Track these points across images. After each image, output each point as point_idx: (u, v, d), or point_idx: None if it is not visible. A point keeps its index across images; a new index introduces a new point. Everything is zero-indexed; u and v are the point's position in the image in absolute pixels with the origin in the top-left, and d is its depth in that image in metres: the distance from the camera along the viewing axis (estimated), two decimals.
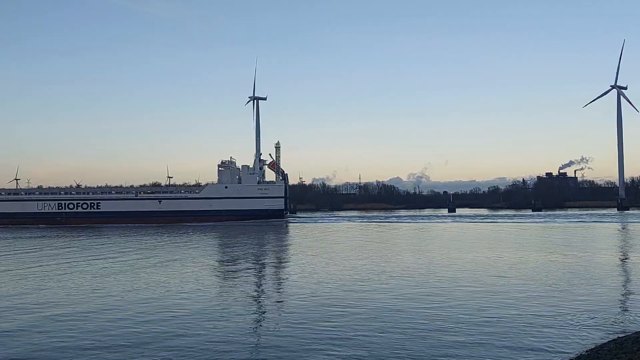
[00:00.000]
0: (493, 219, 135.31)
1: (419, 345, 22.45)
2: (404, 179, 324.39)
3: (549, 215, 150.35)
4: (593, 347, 21.61)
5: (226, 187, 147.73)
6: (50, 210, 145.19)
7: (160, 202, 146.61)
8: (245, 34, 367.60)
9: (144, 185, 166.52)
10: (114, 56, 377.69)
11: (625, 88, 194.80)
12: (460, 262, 49.11)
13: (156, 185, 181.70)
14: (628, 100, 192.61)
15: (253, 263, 53.01)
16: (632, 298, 32.55)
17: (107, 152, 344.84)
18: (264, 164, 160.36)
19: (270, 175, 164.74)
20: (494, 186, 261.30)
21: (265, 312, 30.05)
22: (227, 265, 50.62)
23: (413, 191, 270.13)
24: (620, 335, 22.88)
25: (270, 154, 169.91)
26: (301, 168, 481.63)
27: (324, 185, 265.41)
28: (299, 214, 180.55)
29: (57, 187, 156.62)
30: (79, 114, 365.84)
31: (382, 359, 20.97)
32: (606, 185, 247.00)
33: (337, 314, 28.20)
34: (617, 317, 26.91)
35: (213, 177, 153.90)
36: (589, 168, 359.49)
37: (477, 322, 26.17)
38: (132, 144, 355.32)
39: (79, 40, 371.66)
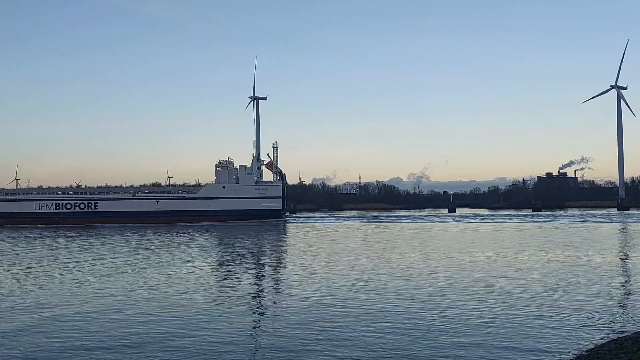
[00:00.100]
0: (493, 219, 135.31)
1: (418, 346, 22.47)
2: (404, 179, 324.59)
3: (549, 215, 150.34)
4: (593, 347, 21.63)
5: (224, 187, 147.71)
6: (48, 210, 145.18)
7: (157, 202, 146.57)
8: (245, 34, 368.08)
9: (144, 185, 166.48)
10: (114, 56, 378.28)
11: (625, 88, 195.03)
12: (460, 262, 49.13)
13: (156, 185, 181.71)
14: (626, 103, 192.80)
15: (253, 263, 53.02)
16: (632, 298, 32.56)
17: (107, 152, 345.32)
18: (261, 164, 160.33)
19: (268, 175, 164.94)
20: (494, 186, 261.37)
21: (265, 312, 30.07)
22: (226, 266, 50.61)
23: (413, 191, 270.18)
24: (620, 335, 22.90)
25: (268, 154, 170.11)
26: (301, 168, 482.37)
27: (324, 185, 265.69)
28: (298, 214, 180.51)
29: (55, 187, 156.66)
30: (79, 114, 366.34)
31: None
32: (606, 185, 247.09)
33: (338, 314, 28.21)
34: (617, 317, 26.93)
35: (212, 177, 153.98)
36: (589, 168, 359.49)
37: (477, 322, 26.19)
38: (132, 144, 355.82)
39: (79, 40, 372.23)
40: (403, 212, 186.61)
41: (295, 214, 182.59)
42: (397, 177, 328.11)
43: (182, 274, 43.99)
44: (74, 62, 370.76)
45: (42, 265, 51.38)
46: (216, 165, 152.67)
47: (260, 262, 54.60)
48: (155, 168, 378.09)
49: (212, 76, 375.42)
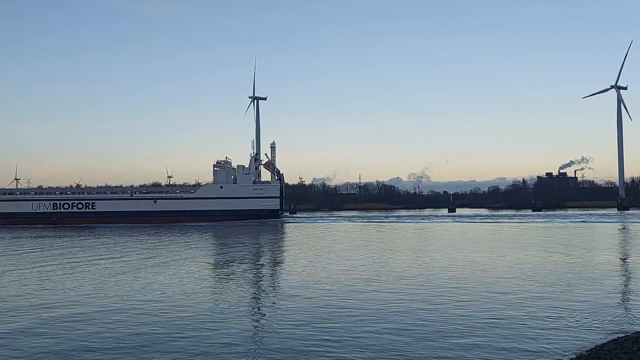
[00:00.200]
0: (493, 219, 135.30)
1: (418, 347, 22.45)
2: (404, 179, 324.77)
3: (549, 215, 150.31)
4: (593, 347, 21.61)
5: (221, 187, 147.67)
6: (46, 210, 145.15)
7: (155, 202, 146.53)
8: (245, 34, 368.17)
9: (144, 185, 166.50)
10: (114, 56, 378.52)
11: (625, 88, 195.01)
12: (460, 262, 49.10)
13: (156, 185, 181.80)
14: (624, 106, 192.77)
15: (252, 264, 53.01)
16: (632, 298, 32.54)
17: (107, 152, 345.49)
18: (259, 164, 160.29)
19: (267, 176, 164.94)
20: (494, 186, 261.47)
21: (265, 313, 30.04)
22: (226, 266, 50.60)
23: (413, 191, 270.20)
24: (620, 335, 22.87)
25: (266, 154, 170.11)
26: (301, 168, 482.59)
27: (324, 185, 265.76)
28: (298, 214, 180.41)
29: (52, 187, 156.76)
30: (79, 114, 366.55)
31: None
32: (606, 185, 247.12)
33: (338, 315, 28.14)
34: (617, 317, 26.90)
35: (212, 177, 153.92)
36: (589, 168, 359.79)
37: (477, 323, 26.15)
38: (132, 144, 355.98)
39: (79, 40, 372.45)
40: (403, 212, 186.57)
41: (295, 214, 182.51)
42: (397, 177, 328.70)
43: (182, 275, 43.97)
44: (74, 62, 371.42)
45: (43, 266, 51.37)
46: (214, 165, 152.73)
47: (259, 262, 54.58)
48: (155, 168, 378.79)
49: (212, 76, 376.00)
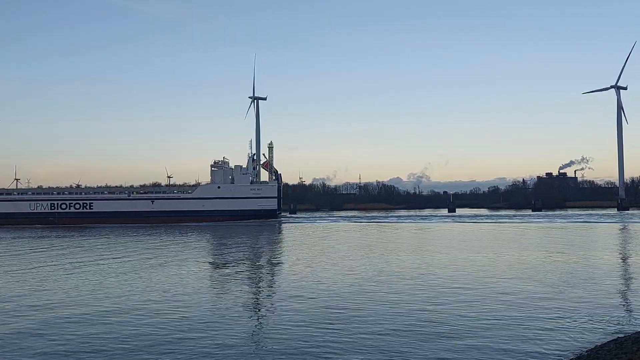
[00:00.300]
0: (493, 219, 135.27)
1: (418, 349, 22.44)
2: (404, 179, 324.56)
3: (549, 215, 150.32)
4: (593, 347, 21.61)
5: (219, 188, 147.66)
6: (43, 211, 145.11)
7: (153, 202, 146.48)
8: (245, 34, 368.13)
9: (144, 185, 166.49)
10: (114, 56, 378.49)
11: (625, 88, 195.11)
12: (460, 262, 49.10)
13: (156, 185, 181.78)
14: (622, 109, 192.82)
15: (252, 264, 53.04)
16: (632, 298, 32.55)
17: (107, 152, 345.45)
18: (257, 164, 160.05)
19: (265, 176, 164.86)
20: (494, 186, 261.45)
21: (265, 314, 30.03)
22: (227, 267, 50.61)
23: (413, 191, 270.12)
24: (620, 335, 22.87)
25: (263, 154, 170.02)
26: (301, 168, 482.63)
27: (324, 185, 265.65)
28: (298, 214, 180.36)
29: (50, 187, 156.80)
30: (79, 114, 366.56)
31: None
32: (606, 186, 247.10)
33: (338, 316, 28.12)
34: (617, 317, 26.90)
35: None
36: (589, 168, 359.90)
37: (477, 324, 26.15)
38: (132, 144, 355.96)
39: (79, 40, 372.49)
40: (403, 212, 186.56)
41: (295, 214, 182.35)
42: (397, 177, 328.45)
43: (183, 275, 44.02)
44: (74, 62, 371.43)
45: (44, 266, 51.40)
46: (211, 166, 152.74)
47: (258, 263, 54.60)
48: (155, 168, 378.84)
49: (212, 76, 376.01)
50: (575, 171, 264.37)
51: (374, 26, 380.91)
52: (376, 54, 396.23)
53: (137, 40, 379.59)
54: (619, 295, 33.81)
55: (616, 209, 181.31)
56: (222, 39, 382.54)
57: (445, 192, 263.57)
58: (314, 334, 24.63)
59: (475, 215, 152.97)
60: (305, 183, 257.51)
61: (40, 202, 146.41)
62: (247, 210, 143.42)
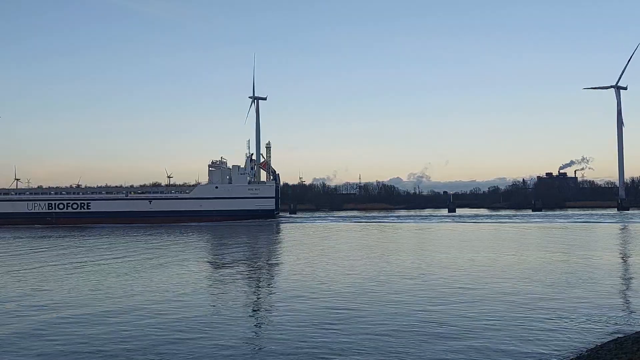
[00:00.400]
0: (493, 219, 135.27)
1: (419, 350, 22.42)
2: (404, 179, 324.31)
3: (549, 215, 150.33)
4: (593, 347, 21.60)
5: (216, 187, 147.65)
6: (41, 211, 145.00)
7: (150, 202, 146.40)
8: (245, 34, 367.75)
9: (143, 185, 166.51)
10: (114, 56, 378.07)
11: (625, 88, 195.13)
12: (461, 262, 49.11)
13: (156, 185, 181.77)
14: (620, 114, 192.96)
15: (252, 265, 53.02)
16: (632, 298, 32.55)
17: (107, 152, 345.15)
18: (255, 164, 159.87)
19: (264, 176, 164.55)
20: (494, 186, 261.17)
21: (266, 315, 30.02)
22: (227, 267, 50.64)
23: (413, 191, 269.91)
24: (620, 335, 22.87)
25: (261, 154, 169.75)
26: (301, 168, 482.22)
27: (324, 185, 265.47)
28: (298, 214, 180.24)
29: (48, 188, 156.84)
30: (79, 114, 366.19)
31: None
32: (606, 186, 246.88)
33: (338, 317, 28.07)
34: (617, 317, 26.90)
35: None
36: (589, 168, 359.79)
37: (477, 324, 26.15)
38: (132, 144, 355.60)
39: (79, 40, 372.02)
40: (403, 212, 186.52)
41: (295, 214, 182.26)
42: (397, 177, 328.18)
43: (183, 275, 44.03)
44: (74, 62, 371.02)
45: (45, 266, 51.40)
46: (209, 166, 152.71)
47: (258, 263, 54.55)
48: (155, 168, 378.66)
49: (212, 76, 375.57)
50: (575, 171, 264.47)
51: (374, 26, 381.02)
52: (376, 54, 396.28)
53: (137, 40, 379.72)
54: (619, 295, 33.81)
55: (616, 209, 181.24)
56: (222, 39, 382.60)
57: (445, 192, 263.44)
58: (315, 334, 24.62)
59: (475, 215, 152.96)
60: (305, 183, 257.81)
61: (37, 202, 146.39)
62: (244, 210, 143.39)
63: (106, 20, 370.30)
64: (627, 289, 36.21)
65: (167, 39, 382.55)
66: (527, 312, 27.98)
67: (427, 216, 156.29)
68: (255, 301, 33.68)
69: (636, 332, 23.05)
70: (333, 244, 72.79)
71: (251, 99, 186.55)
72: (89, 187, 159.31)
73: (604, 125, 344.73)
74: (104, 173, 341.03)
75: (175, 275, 43.38)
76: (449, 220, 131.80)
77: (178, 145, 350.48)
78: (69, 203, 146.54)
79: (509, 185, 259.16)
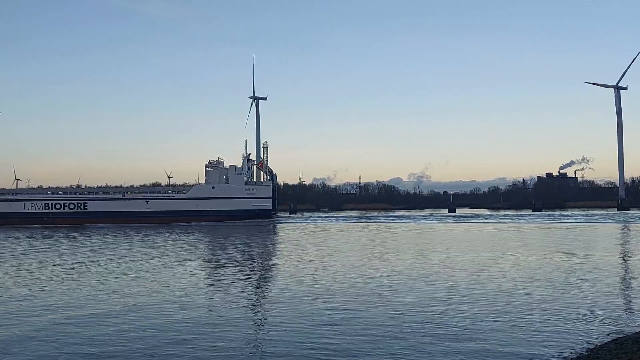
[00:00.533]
0: (493, 219, 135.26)
1: (419, 351, 22.42)
2: (404, 179, 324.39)
3: (549, 215, 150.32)
4: (593, 347, 21.62)
5: (213, 188, 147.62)
6: (37, 211, 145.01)
7: (147, 202, 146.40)
8: (245, 34, 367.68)
9: (144, 185, 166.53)
10: (114, 56, 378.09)
11: (626, 88, 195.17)
12: (461, 263, 49.13)
13: (156, 185, 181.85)
14: (620, 114, 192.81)
15: (252, 266, 53.08)
16: (632, 298, 32.55)
17: (107, 152, 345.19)
18: (252, 164, 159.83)
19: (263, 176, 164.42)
20: (494, 186, 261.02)
21: (265, 316, 29.96)
22: (227, 267, 50.64)
23: (413, 191, 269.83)
24: (620, 335, 22.88)
25: (261, 154, 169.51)
26: (301, 168, 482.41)
27: (324, 185, 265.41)
28: (298, 214, 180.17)
29: (44, 187, 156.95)
30: (79, 114, 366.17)
31: None
32: (606, 186, 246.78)
33: (339, 318, 28.05)
34: (617, 317, 26.92)
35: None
36: (589, 168, 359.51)
37: (477, 325, 26.16)
38: (132, 144, 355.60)
39: (79, 40, 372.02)
40: (403, 212, 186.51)
41: (295, 214, 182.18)
42: (397, 177, 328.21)
43: (183, 276, 44.05)
44: (74, 62, 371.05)
45: (45, 266, 51.41)
46: (206, 166, 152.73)
47: (257, 264, 54.58)
48: (155, 168, 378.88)
49: (212, 76, 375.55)
50: (575, 171, 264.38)
51: (374, 26, 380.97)
52: (376, 54, 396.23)
53: (137, 40, 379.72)
54: (619, 295, 33.82)
55: (616, 209, 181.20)
56: (222, 39, 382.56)
57: (445, 192, 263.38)
58: (315, 335, 24.62)
59: (476, 216, 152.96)
60: (305, 183, 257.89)
61: (34, 202, 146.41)
62: (241, 211, 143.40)
63: (106, 20, 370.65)
64: (627, 289, 36.23)
65: (167, 39, 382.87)
66: (527, 313, 27.98)
67: (427, 216, 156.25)
68: (255, 302, 33.69)
69: (636, 332, 23.07)
70: (333, 244, 72.78)
71: (251, 99, 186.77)
72: (86, 187, 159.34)
73: (604, 125, 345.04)
74: (104, 173, 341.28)
75: (176, 276, 43.39)
76: (449, 221, 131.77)
77: (178, 145, 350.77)
78: (66, 203, 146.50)
79: (509, 186, 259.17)
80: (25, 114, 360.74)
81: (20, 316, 29.50)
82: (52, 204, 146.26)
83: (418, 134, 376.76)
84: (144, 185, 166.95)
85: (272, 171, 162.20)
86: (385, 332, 24.78)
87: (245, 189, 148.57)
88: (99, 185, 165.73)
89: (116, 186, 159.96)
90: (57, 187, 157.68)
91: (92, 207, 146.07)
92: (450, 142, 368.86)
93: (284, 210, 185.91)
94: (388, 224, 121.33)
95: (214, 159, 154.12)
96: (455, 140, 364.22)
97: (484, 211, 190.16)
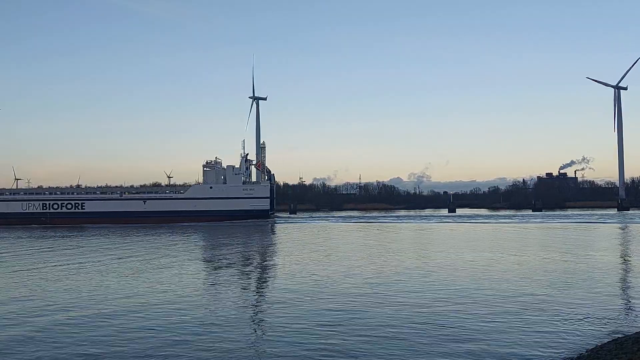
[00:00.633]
0: (493, 219, 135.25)
1: (419, 354, 22.42)
2: (405, 179, 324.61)
3: (549, 215, 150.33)
4: (593, 347, 21.62)
5: (211, 188, 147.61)
6: (35, 211, 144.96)
7: (145, 202, 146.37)
8: (245, 34, 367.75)
9: (144, 185, 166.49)
10: (114, 56, 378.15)
11: (626, 88, 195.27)
12: (461, 263, 49.14)
13: (156, 185, 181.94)
14: (618, 110, 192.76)
15: (252, 266, 53.13)
16: (632, 298, 32.56)
17: (107, 152, 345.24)
18: (250, 164, 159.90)
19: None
20: (494, 186, 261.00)
21: (265, 317, 29.93)
22: (226, 269, 50.67)
23: (413, 191, 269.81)
24: (620, 336, 22.89)
25: (255, 154, 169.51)
26: (301, 168, 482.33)
27: (324, 185, 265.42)
28: (298, 214, 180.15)
29: (42, 187, 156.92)
30: (79, 114, 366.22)
31: None
32: (606, 186, 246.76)
33: (339, 319, 28.03)
34: (617, 317, 26.93)
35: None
36: (590, 168, 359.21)
37: (477, 326, 26.17)
38: (132, 144, 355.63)
39: (79, 40, 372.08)
40: (403, 212, 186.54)
41: (295, 214, 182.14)
42: (398, 177, 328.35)
43: (183, 277, 44.06)
44: (74, 62, 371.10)
45: (45, 267, 51.41)
46: (203, 166, 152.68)
47: (257, 265, 54.59)
48: (155, 168, 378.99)
49: (212, 76, 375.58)
50: (575, 171, 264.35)
51: (374, 26, 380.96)
52: (376, 54, 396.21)
53: (137, 40, 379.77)
54: (619, 295, 33.83)
55: (616, 209, 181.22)
56: (222, 39, 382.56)
57: (445, 192, 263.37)
58: (315, 336, 24.63)
59: (476, 216, 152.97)
60: (305, 183, 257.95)
61: (32, 202, 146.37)
62: (239, 211, 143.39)
63: (106, 20, 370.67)
64: (627, 289, 36.23)
65: (167, 39, 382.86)
66: (527, 313, 28.00)
67: (427, 216, 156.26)
68: (256, 302, 33.69)
69: (636, 332, 23.08)
70: (333, 244, 72.77)
71: (251, 99, 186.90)
72: (84, 187, 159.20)
73: (604, 125, 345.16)
74: (104, 173, 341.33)
75: (177, 276, 43.39)
76: (449, 221, 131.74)
77: (178, 145, 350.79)
78: (63, 203, 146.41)
79: (509, 186, 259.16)
80: (25, 114, 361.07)
81: (21, 316, 29.51)
82: (49, 204, 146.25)
83: (418, 134, 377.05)
84: (144, 186, 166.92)
85: (269, 171, 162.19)
86: (385, 332, 24.79)
87: (243, 189, 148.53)
88: (99, 185, 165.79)
89: (116, 186, 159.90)
90: (56, 187, 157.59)
91: (90, 207, 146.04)
92: (450, 142, 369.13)
93: (284, 211, 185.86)
94: (388, 224, 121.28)
95: (211, 159, 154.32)
96: (455, 140, 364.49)
97: (484, 211, 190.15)
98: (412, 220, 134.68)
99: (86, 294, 35.80)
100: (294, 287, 37.13)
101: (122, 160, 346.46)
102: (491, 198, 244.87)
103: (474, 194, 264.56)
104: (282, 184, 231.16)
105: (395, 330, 25.13)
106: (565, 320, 26.33)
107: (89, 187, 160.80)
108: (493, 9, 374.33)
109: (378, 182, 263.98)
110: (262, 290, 38.22)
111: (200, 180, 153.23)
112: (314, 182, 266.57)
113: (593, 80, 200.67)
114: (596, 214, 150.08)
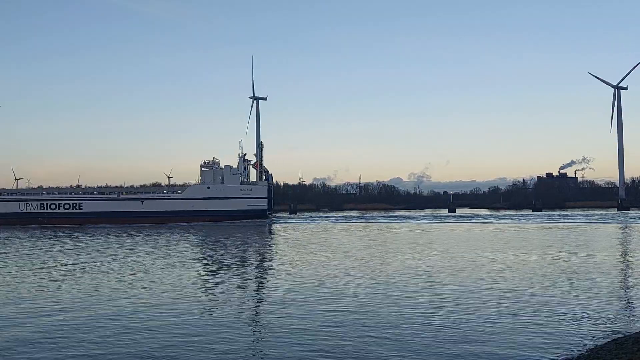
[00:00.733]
0: (493, 219, 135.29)
1: (419, 355, 22.45)
2: (405, 179, 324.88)
3: (549, 215, 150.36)
4: (593, 347, 21.67)
5: (209, 188, 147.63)
6: (32, 211, 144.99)
7: (142, 202, 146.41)
8: (245, 34, 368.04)
9: (144, 185, 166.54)
10: (114, 56, 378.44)
11: (626, 88, 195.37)
12: (461, 264, 49.16)
13: (156, 185, 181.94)
14: (617, 110, 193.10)
15: (251, 267, 53.10)
16: (632, 298, 32.60)
17: (107, 152, 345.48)
18: (248, 164, 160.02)
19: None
20: (494, 186, 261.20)
21: (265, 319, 29.92)
22: (226, 269, 50.72)
23: (413, 191, 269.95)
24: (620, 336, 22.94)
25: (254, 154, 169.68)
26: (301, 168, 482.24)
27: (324, 185, 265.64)
28: (298, 214, 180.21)
29: (46, 188, 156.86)
30: (79, 114, 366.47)
31: None
32: (606, 186, 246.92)
33: (339, 320, 28.03)
34: (617, 317, 26.97)
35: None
36: (590, 168, 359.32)
37: (477, 327, 26.19)
38: (132, 144, 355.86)
39: (79, 40, 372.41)
40: (403, 213, 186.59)
41: (295, 214, 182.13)
42: (398, 177, 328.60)
43: (183, 278, 44.07)
44: (74, 62, 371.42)
45: (46, 267, 51.45)
46: (201, 166, 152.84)
47: (257, 265, 54.58)
48: (155, 168, 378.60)
49: (212, 76, 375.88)
50: (575, 171, 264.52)
51: (374, 26, 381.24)
52: (376, 54, 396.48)
53: (137, 40, 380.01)
54: (619, 295, 33.85)
55: (616, 209, 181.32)
56: (222, 39, 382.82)
57: (445, 192, 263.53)
58: (315, 337, 24.65)
59: (476, 216, 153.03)
60: (305, 183, 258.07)
61: (29, 202, 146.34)
62: (236, 211, 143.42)
63: (106, 20, 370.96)
64: (627, 289, 36.27)
65: (167, 39, 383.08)
66: (527, 313, 28.03)
67: (427, 216, 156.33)
68: (257, 302, 33.73)
69: (636, 332, 23.12)
70: (333, 244, 72.80)
71: (251, 99, 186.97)
72: (81, 188, 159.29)
73: (604, 125, 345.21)
74: (104, 173, 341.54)
75: (178, 277, 43.42)
76: (450, 221, 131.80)
77: (178, 145, 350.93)
78: (61, 203, 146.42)
79: (509, 186, 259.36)
80: (25, 114, 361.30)
81: (22, 317, 29.54)
82: (47, 204, 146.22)
83: (418, 134, 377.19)
84: (144, 186, 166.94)
85: (267, 171, 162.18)
86: (384, 333, 24.82)
87: (241, 189, 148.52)
88: (99, 185, 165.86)
89: (115, 186, 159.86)
90: (55, 188, 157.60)
91: (87, 207, 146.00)
92: (450, 142, 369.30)
93: (284, 211, 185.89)
94: (388, 224, 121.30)
95: (209, 159, 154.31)
96: (455, 140, 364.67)
97: (484, 211, 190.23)
98: (412, 220, 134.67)
99: (88, 294, 35.85)
100: (295, 288, 37.17)
101: (122, 160, 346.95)
102: (491, 198, 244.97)
103: (474, 194, 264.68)
104: (282, 184, 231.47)
105: (396, 330, 25.18)
106: (565, 320, 26.37)
107: (88, 187, 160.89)
108: (493, 9, 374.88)
109: (378, 182, 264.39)
110: (262, 290, 38.26)
111: (199, 180, 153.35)
112: (314, 182, 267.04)
113: (595, 76, 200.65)
114: (596, 214, 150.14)
